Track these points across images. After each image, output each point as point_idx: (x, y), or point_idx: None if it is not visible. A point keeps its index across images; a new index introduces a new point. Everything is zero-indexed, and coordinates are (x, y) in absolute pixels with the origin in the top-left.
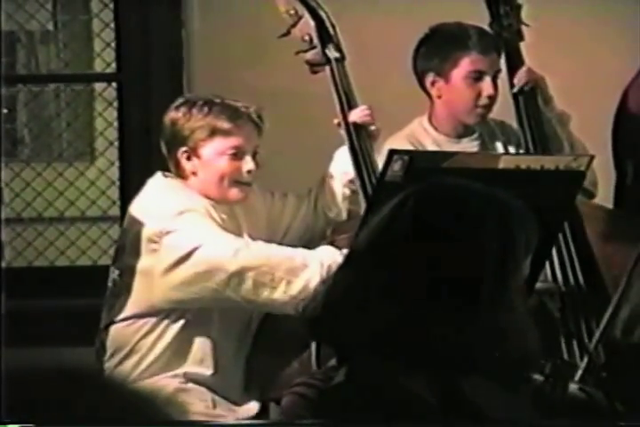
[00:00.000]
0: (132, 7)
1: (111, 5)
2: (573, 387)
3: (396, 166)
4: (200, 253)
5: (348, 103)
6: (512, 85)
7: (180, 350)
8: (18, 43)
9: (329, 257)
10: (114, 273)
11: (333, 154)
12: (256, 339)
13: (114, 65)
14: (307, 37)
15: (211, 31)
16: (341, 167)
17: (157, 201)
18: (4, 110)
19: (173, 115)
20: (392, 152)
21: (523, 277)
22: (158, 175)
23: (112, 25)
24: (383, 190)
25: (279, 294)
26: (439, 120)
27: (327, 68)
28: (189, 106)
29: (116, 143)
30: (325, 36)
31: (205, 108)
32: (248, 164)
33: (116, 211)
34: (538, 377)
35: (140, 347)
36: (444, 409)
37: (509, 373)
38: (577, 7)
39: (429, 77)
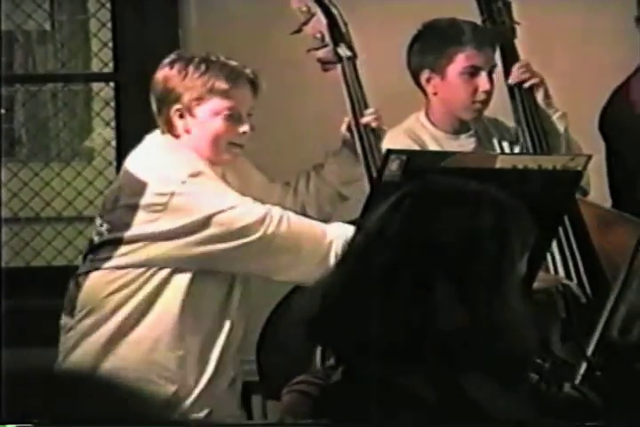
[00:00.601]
0: (129, 7)
1: (108, 5)
2: (568, 386)
3: (394, 166)
4: (223, 217)
5: (359, 103)
6: (508, 83)
7: (147, 311)
8: (15, 42)
9: (344, 234)
10: (102, 226)
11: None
12: (263, 337)
13: (111, 65)
14: (318, 35)
15: (207, 30)
16: (337, 169)
17: (161, 160)
18: (2, 110)
19: (167, 71)
20: (389, 152)
21: (519, 275)
22: (157, 133)
23: (109, 25)
24: (381, 190)
25: (299, 261)
26: (436, 116)
27: (339, 66)
28: (185, 63)
29: (114, 143)
30: (337, 35)
31: (202, 67)
32: (243, 125)
33: None
34: (534, 376)
35: (109, 301)
36: (442, 408)
37: (507, 371)
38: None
39: (425, 74)
